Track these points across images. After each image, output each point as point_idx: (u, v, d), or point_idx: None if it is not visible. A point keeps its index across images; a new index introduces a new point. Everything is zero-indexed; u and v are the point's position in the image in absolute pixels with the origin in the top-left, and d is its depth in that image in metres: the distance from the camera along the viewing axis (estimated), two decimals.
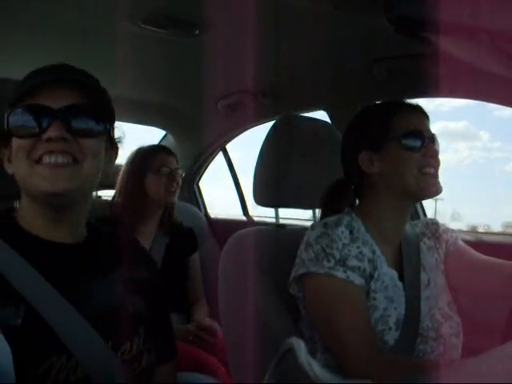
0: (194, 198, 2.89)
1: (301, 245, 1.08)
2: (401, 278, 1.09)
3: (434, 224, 1.23)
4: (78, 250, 0.85)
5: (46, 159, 0.76)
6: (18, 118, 0.78)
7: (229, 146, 2.68)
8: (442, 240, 1.19)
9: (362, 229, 1.09)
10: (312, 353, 1.04)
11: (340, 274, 1.00)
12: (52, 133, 0.76)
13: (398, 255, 1.13)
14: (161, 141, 2.84)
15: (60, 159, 0.77)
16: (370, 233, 1.09)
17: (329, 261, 1.01)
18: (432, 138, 1.08)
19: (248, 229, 1.27)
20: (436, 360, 1.04)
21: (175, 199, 2.01)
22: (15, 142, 0.79)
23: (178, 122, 2.65)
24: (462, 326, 1.10)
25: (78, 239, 0.86)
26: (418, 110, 1.12)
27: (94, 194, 2.59)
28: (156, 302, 0.95)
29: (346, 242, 1.04)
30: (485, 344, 0.97)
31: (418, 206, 1.82)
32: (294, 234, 1.20)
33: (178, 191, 2.01)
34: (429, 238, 1.20)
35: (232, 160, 2.71)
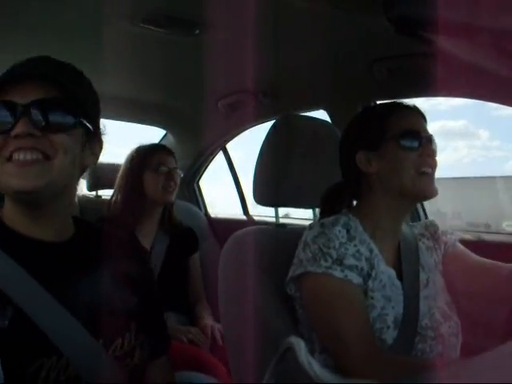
0: (194, 197, 2.90)
1: (299, 245, 1.08)
2: (399, 277, 1.09)
3: (432, 225, 1.23)
4: (63, 247, 0.84)
5: (16, 156, 0.75)
6: None
7: (229, 146, 2.68)
8: (440, 241, 1.19)
9: (360, 228, 1.09)
10: (310, 353, 1.04)
11: (338, 273, 1.00)
12: (19, 129, 0.74)
13: (396, 254, 1.13)
14: (161, 140, 2.84)
15: (29, 156, 0.75)
16: (367, 232, 1.09)
17: (326, 260, 1.01)
18: (429, 138, 1.09)
19: (248, 228, 1.27)
20: (434, 359, 1.04)
21: (173, 198, 2.00)
22: None
23: (178, 122, 2.65)
24: (461, 328, 1.11)
25: (62, 237, 0.85)
26: (415, 110, 1.13)
27: (94, 193, 2.61)
28: (148, 297, 0.94)
29: (343, 240, 1.04)
30: (483, 345, 0.97)
31: (419, 206, 1.82)
32: (294, 233, 1.20)
33: (176, 191, 2.00)
34: (428, 239, 1.20)
35: (232, 159, 2.71)
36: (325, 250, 1.02)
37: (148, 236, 1.99)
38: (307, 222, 1.18)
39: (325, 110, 1.90)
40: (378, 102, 1.19)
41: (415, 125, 1.09)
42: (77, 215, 0.93)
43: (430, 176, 1.07)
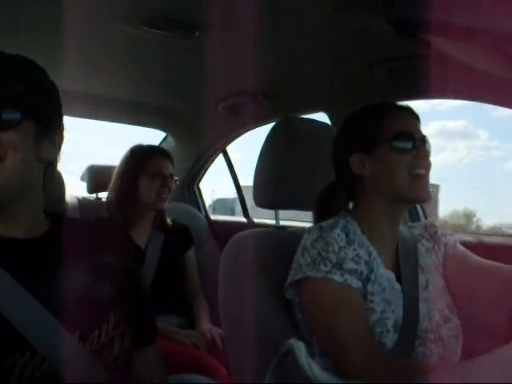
0: (195, 199, 2.90)
1: (297, 249, 1.08)
2: (398, 279, 1.08)
3: (432, 226, 1.22)
4: (36, 243, 0.83)
5: None
6: None
7: (229, 148, 2.69)
8: (440, 242, 1.18)
9: (358, 231, 1.09)
10: (310, 356, 1.04)
11: (337, 277, 1.00)
12: None
13: (395, 256, 1.13)
14: (161, 142, 2.84)
15: None
16: (365, 235, 1.09)
17: (325, 265, 1.01)
18: (423, 139, 1.08)
19: (248, 230, 1.27)
20: (435, 362, 1.04)
21: (165, 206, 1.99)
22: None
23: (179, 124, 2.65)
24: (461, 329, 1.10)
25: (35, 233, 0.84)
26: (409, 111, 1.12)
27: (94, 195, 2.60)
28: (131, 287, 0.93)
29: (343, 244, 1.03)
30: (484, 346, 0.97)
31: (419, 207, 1.82)
32: (294, 235, 1.20)
33: (169, 198, 1.99)
34: (427, 240, 1.19)
35: (232, 161, 2.71)
36: (324, 254, 1.01)
37: (142, 236, 1.99)
38: (308, 225, 1.18)
39: (325, 111, 1.90)
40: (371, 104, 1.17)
41: (408, 126, 1.08)
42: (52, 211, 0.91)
43: (424, 178, 1.06)
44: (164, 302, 1.90)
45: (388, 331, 1.01)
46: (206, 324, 1.93)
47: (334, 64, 1.67)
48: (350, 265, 1.01)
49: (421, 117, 1.13)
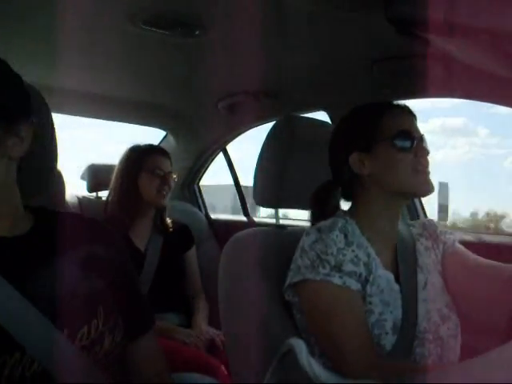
0: (195, 198, 2.90)
1: (296, 251, 1.07)
2: (397, 280, 1.08)
3: (431, 225, 1.22)
4: (20, 241, 0.82)
5: None
6: None
7: (229, 147, 2.69)
8: (439, 241, 1.18)
9: (357, 231, 1.08)
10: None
11: (336, 280, 0.99)
12: None
13: (394, 256, 1.12)
14: (161, 141, 2.84)
15: None
16: (364, 235, 1.09)
17: (324, 267, 1.00)
18: (421, 138, 1.09)
19: (248, 229, 1.27)
20: (433, 363, 1.04)
21: (165, 202, 2.00)
22: None
23: (179, 123, 2.65)
24: (460, 328, 1.10)
25: (18, 231, 0.83)
26: (406, 110, 1.12)
27: (95, 194, 2.61)
28: (121, 278, 0.91)
29: (341, 246, 1.03)
30: (483, 346, 0.97)
31: (419, 205, 1.82)
32: (294, 234, 1.20)
33: (169, 194, 2.01)
34: (426, 239, 1.19)
35: (232, 160, 2.71)
36: (323, 256, 1.01)
37: (143, 237, 1.99)
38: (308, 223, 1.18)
39: (325, 110, 1.90)
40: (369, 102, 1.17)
41: (408, 125, 1.09)
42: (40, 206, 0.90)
43: (426, 173, 1.07)
44: (164, 302, 1.91)
45: (387, 333, 1.00)
46: (202, 325, 1.94)
47: (334, 63, 1.66)
48: (348, 267, 1.01)
49: (420, 114, 1.14)
